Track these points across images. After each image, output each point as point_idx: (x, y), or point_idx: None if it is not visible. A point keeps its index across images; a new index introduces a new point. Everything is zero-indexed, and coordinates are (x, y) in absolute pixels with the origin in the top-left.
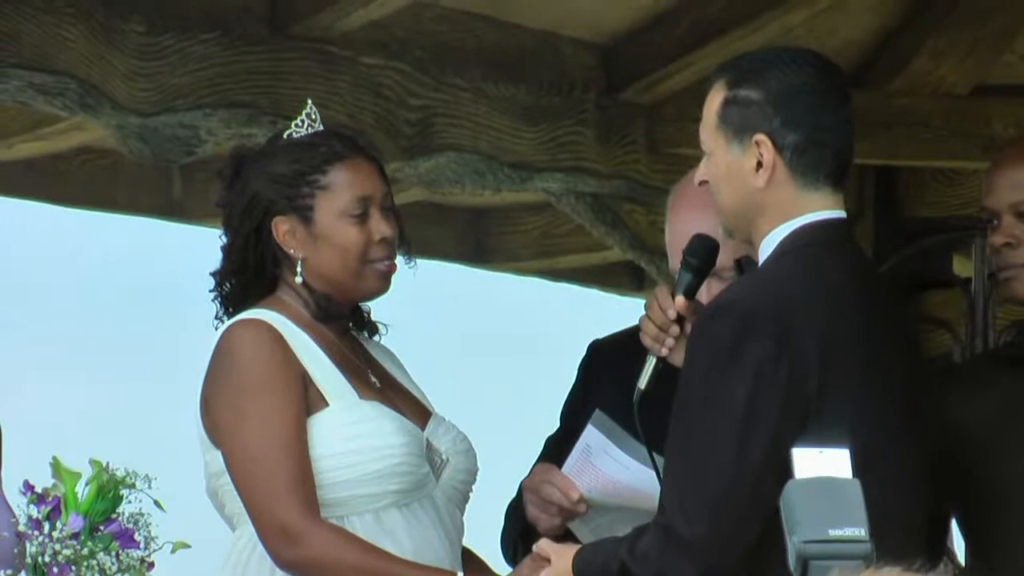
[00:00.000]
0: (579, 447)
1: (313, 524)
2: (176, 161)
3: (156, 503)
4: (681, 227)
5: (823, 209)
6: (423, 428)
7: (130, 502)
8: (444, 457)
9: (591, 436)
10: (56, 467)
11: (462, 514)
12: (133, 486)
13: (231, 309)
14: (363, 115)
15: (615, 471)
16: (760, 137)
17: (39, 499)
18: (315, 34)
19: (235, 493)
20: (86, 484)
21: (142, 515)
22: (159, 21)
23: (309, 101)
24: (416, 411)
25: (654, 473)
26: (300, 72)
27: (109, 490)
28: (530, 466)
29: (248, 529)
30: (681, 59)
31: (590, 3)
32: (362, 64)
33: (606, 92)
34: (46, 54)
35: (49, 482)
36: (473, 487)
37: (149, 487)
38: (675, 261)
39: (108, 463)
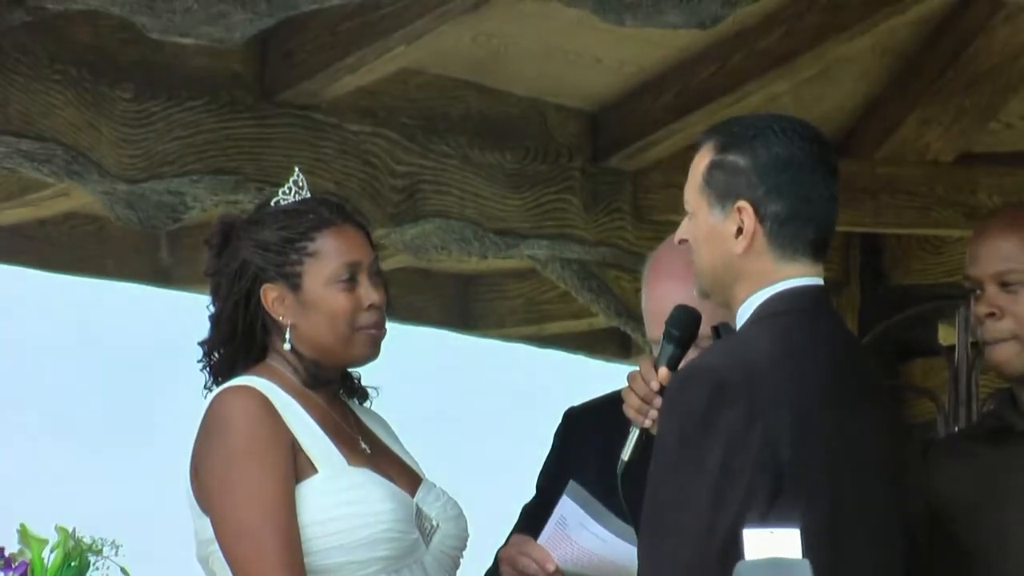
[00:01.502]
0: (554, 518)
1: None
2: (162, 227)
3: (123, 571)
4: (659, 295)
5: (800, 276)
6: (413, 494)
7: (97, 568)
8: (434, 523)
9: (566, 507)
10: (23, 534)
11: None
12: (100, 552)
13: (220, 378)
14: (349, 182)
15: (591, 544)
16: (743, 204)
17: (7, 564)
18: (302, 101)
19: (224, 561)
20: (52, 551)
21: None
22: (146, 88)
23: (296, 169)
24: (406, 477)
25: (629, 545)
26: (287, 139)
27: (75, 557)
28: (507, 536)
29: None
30: (667, 127)
31: (576, 70)
32: (348, 131)
33: (592, 159)
34: (33, 120)
35: (15, 548)
36: (463, 553)
37: (116, 554)
38: (652, 329)
39: (74, 529)
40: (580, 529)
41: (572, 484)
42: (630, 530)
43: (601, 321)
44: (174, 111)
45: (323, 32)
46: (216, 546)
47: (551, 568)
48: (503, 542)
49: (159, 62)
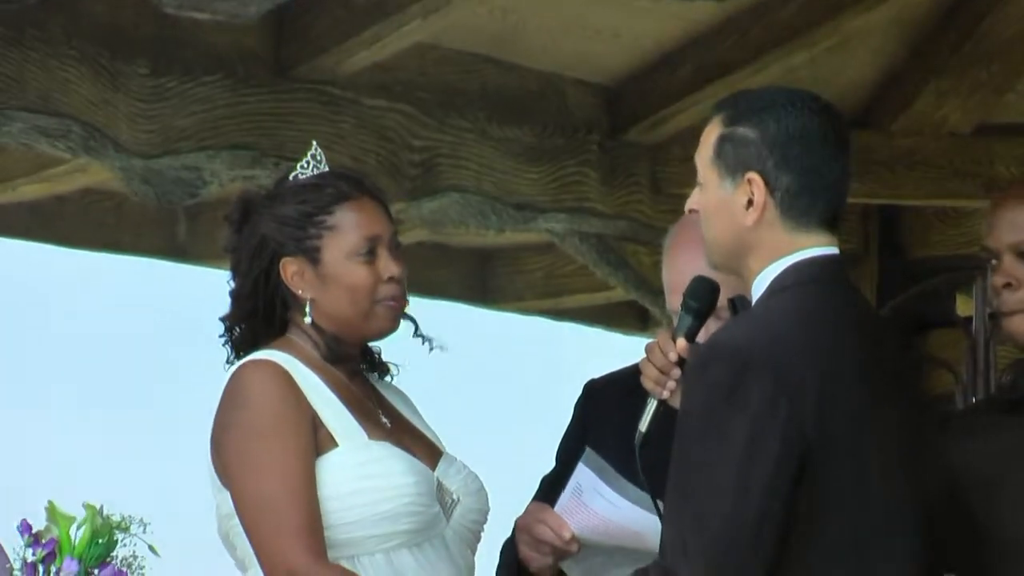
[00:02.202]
0: (571, 486)
1: (321, 568)
2: (179, 203)
3: (151, 548)
4: (679, 267)
5: (815, 247)
6: (434, 468)
7: (125, 545)
8: (455, 497)
9: (582, 475)
10: (52, 511)
11: (473, 554)
12: (127, 529)
13: (242, 353)
14: (367, 157)
15: (606, 510)
16: (753, 176)
17: (35, 541)
18: (318, 76)
19: (244, 535)
20: (79, 528)
21: (136, 558)
22: (162, 63)
23: (314, 143)
24: (427, 451)
25: (644, 512)
26: (303, 114)
27: (103, 534)
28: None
29: (259, 572)
30: (684, 100)
31: (594, 44)
32: (365, 106)
33: (610, 133)
34: (50, 97)
35: (43, 525)
36: (484, 527)
37: (144, 532)
38: (671, 300)
39: (102, 506)
40: (595, 496)
41: (588, 452)
42: (645, 497)
43: (619, 294)
44: (190, 86)
45: (338, 7)
46: (236, 520)
47: (567, 535)
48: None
49: (175, 37)
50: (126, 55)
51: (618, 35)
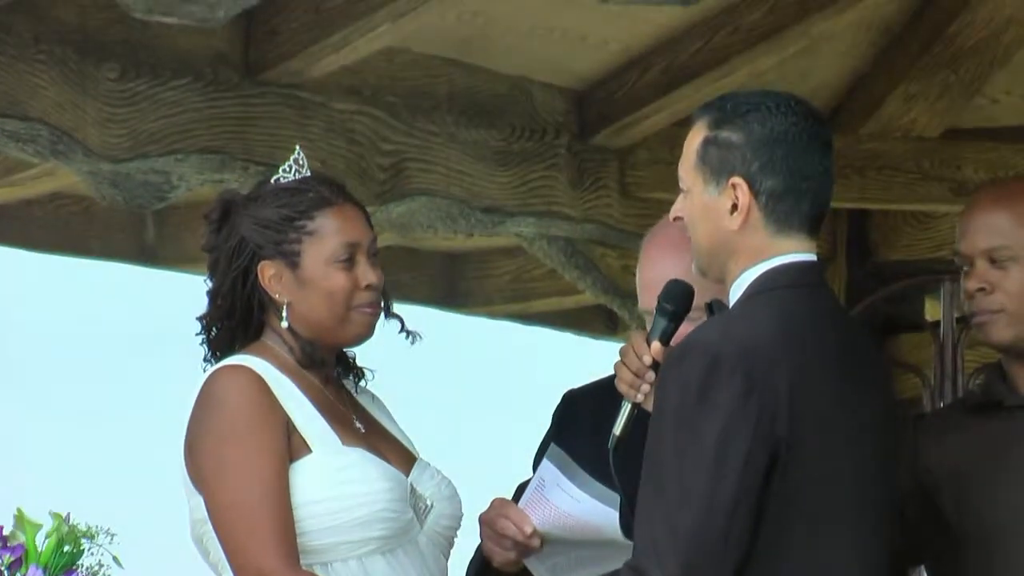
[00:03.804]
0: (534, 481)
1: (293, 573)
2: (148, 207)
3: (115, 559)
4: (654, 266)
5: (794, 252)
6: (408, 474)
7: (91, 554)
8: (428, 502)
9: (545, 470)
10: (20, 518)
11: (447, 559)
12: (94, 538)
13: (219, 353)
14: (335, 160)
15: (567, 505)
16: (737, 180)
17: (3, 545)
18: (287, 80)
19: (218, 540)
20: (46, 536)
21: (100, 566)
22: (131, 67)
23: (297, 147)
24: (401, 456)
25: (605, 507)
26: (272, 117)
27: (69, 542)
28: None
29: None
30: (653, 103)
31: (562, 48)
32: (334, 109)
33: (578, 137)
34: (18, 100)
35: (9, 532)
36: (458, 532)
37: (110, 542)
38: (644, 299)
39: (68, 515)
40: (556, 490)
41: (553, 447)
42: (608, 493)
43: (588, 298)
44: (159, 90)
45: (308, 10)
46: (209, 525)
47: (528, 530)
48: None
49: (144, 41)
50: (95, 59)
51: (585, 39)
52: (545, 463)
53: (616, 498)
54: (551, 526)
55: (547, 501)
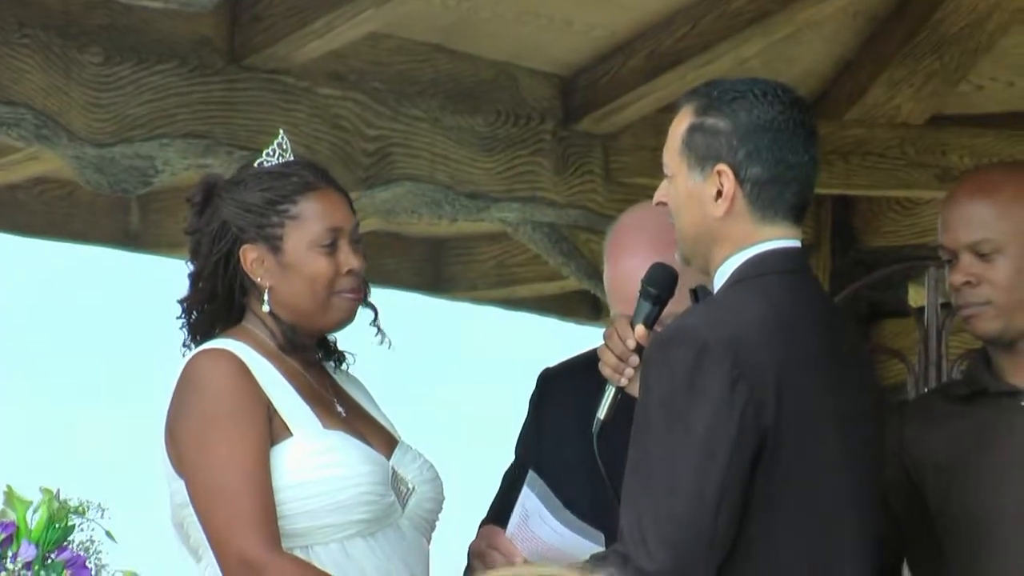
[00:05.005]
0: (518, 511)
1: (275, 556)
2: (132, 191)
3: (108, 534)
4: (621, 274)
5: (778, 238)
6: (389, 457)
7: (82, 530)
8: (410, 486)
9: (528, 501)
10: (9, 495)
11: (429, 543)
12: (84, 513)
13: (199, 337)
14: (320, 145)
15: (551, 538)
16: (722, 167)
17: None
18: (272, 65)
19: (199, 524)
20: (35, 512)
21: (92, 542)
22: (116, 52)
23: (281, 131)
24: (382, 440)
25: (588, 542)
26: (257, 102)
27: (60, 519)
28: (491, 497)
29: (212, 561)
30: (638, 89)
31: (547, 33)
32: (319, 95)
33: (563, 122)
34: (2, 85)
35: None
36: (440, 515)
37: (101, 517)
38: (614, 305)
39: (59, 490)
40: (540, 523)
41: (531, 475)
42: (586, 527)
43: (572, 284)
44: (143, 75)
45: None
46: (190, 509)
47: (519, 562)
48: (478, 524)
49: (128, 26)
50: (79, 43)
51: (571, 24)
52: (526, 491)
53: (600, 535)
54: (538, 557)
55: (533, 533)
